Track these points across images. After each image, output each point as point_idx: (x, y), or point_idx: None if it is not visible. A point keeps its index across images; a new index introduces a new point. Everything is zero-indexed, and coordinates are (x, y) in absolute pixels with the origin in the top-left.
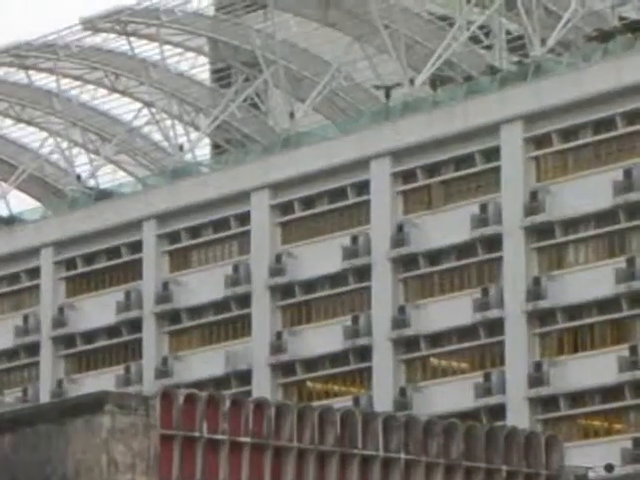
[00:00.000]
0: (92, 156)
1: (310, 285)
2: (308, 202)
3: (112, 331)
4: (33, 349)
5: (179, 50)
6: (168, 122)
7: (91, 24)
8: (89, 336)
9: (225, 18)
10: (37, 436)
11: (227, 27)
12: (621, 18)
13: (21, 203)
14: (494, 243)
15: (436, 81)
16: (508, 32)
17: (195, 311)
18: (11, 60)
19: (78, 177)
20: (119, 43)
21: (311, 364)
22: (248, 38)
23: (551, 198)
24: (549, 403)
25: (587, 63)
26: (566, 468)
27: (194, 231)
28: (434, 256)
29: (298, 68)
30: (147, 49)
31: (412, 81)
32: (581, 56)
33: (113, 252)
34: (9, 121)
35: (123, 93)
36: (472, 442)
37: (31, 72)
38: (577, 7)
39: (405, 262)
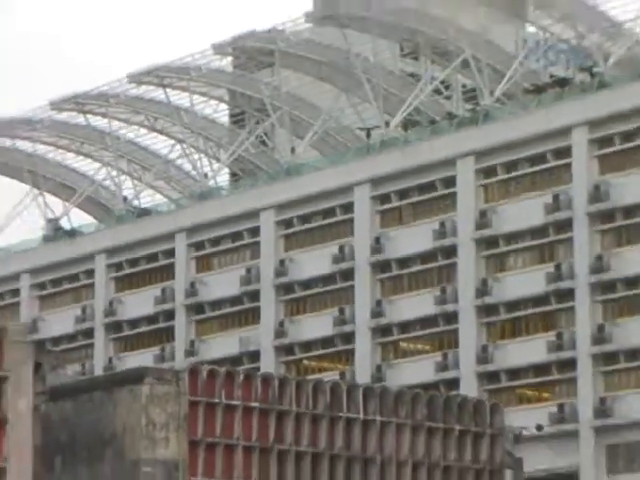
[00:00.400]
0: (135, 182)
1: (306, 284)
2: (306, 218)
3: (151, 319)
4: (89, 333)
5: (204, 98)
6: (195, 155)
7: (135, 78)
8: (133, 323)
9: (241, 74)
10: (92, 402)
11: (242, 80)
12: (551, 76)
13: (80, 219)
14: (451, 251)
15: (407, 124)
16: (464, 85)
17: (215, 304)
18: (72, 106)
19: (125, 198)
20: (157, 93)
21: (306, 346)
22: (259, 89)
23: (496, 216)
24: (493, 377)
25: (525, 111)
26: (506, 428)
27: (215, 241)
28: (404, 261)
29: (298, 113)
30: (179, 97)
31: (388, 124)
32: (520, 105)
33: (152, 257)
34: (70, 154)
35: (160, 132)
36: (433, 407)
37: (88, 116)
38: (517, 66)
39: (382, 266)
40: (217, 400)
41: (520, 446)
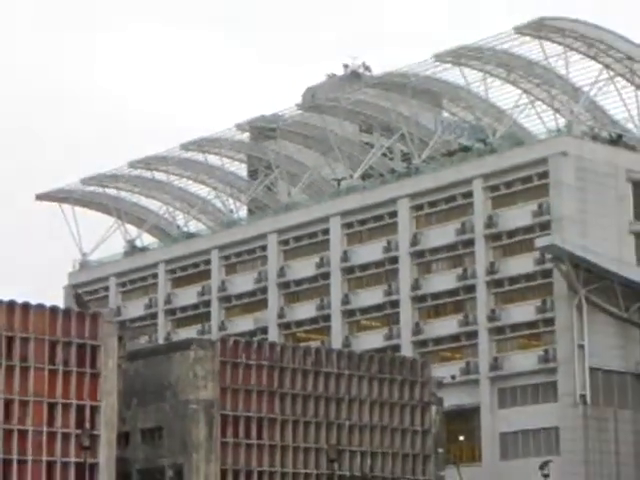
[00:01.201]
0: (185, 215)
1: (297, 282)
2: (299, 239)
3: (196, 307)
4: (154, 315)
5: (230, 160)
6: (224, 197)
7: (185, 146)
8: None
9: (255, 143)
10: (156, 362)
11: (256, 148)
12: (459, 144)
13: (148, 240)
14: (395, 261)
15: (364, 176)
16: (401, 151)
17: (239, 296)
18: (144, 165)
19: (177, 226)
20: (200, 157)
21: (299, 324)
22: (266, 154)
23: (424, 237)
24: (423, 344)
25: (442, 167)
26: (432, 377)
27: (239, 254)
28: (363, 267)
29: (292, 170)
30: (215, 159)
31: (352, 176)
32: (439, 163)
33: (195, 265)
34: (142, 197)
35: (202, 183)
36: (382, 364)
37: (154, 172)
38: (436, 139)
39: (348, 270)
40: (239, 360)
41: (441, 390)
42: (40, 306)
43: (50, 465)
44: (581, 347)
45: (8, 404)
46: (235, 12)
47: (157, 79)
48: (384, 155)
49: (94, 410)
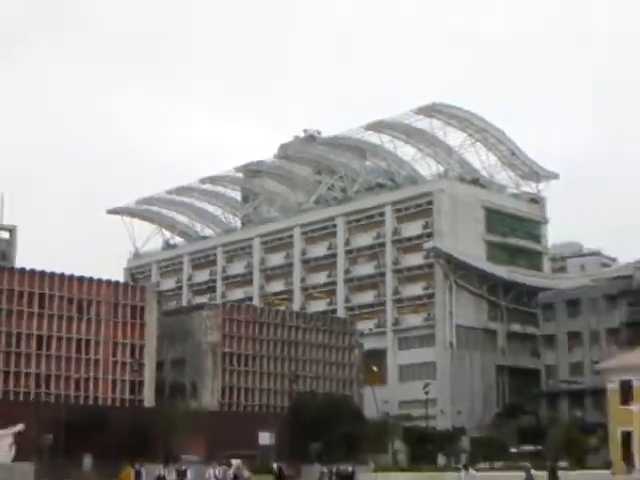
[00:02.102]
0: (200, 224)
1: (272, 269)
2: (273, 241)
3: (207, 283)
4: (180, 287)
5: (230, 190)
6: (227, 215)
7: (205, 180)
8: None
9: (247, 179)
10: (181, 317)
11: (247, 183)
12: (376, 182)
13: (177, 240)
14: (335, 258)
15: (316, 202)
16: (340, 186)
17: (234, 277)
18: (176, 194)
19: (196, 232)
20: (213, 188)
21: (273, 295)
22: (254, 186)
23: (353, 240)
24: (352, 309)
25: (365, 197)
26: (357, 330)
27: (235, 250)
28: (312, 260)
29: (271, 197)
30: (222, 190)
31: (308, 201)
32: (363, 194)
33: (207, 257)
34: (173, 212)
35: (212, 204)
36: (325, 321)
37: (183, 197)
38: (362, 178)
39: (306, 262)
40: (236, 317)
41: (362, 337)
42: (109, 281)
43: (114, 382)
44: (450, 312)
45: (88, 343)
46: (234, 82)
47: (176, 133)
48: (329, 189)
49: (141, 347)
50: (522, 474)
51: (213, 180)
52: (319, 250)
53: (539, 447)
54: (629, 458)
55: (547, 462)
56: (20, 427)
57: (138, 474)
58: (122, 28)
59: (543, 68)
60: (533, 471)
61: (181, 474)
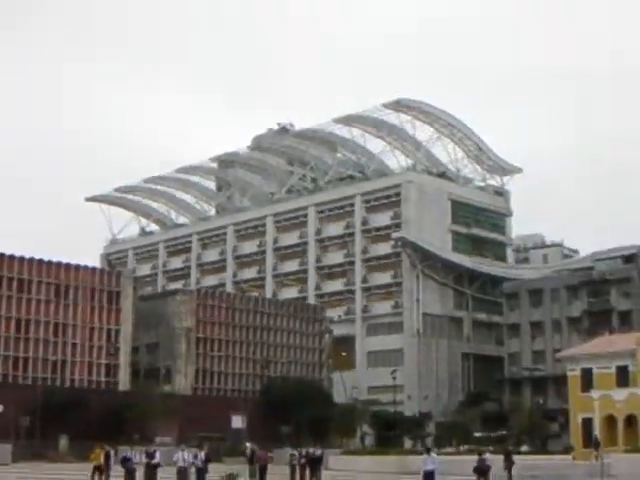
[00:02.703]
0: (176, 212)
1: (245, 256)
2: (246, 229)
3: (181, 270)
4: (156, 274)
5: (206, 180)
6: (202, 203)
7: (182, 170)
8: (173, 271)
9: (221, 169)
10: (157, 302)
11: (221, 173)
12: (348, 174)
13: (153, 228)
14: (306, 246)
15: (288, 192)
16: (311, 177)
17: (209, 264)
18: (152, 184)
19: (172, 219)
20: (193, 178)
21: (246, 282)
22: (228, 176)
23: (324, 230)
24: (322, 296)
25: (336, 187)
26: (326, 317)
27: (210, 237)
28: (287, 247)
29: (244, 186)
30: (198, 179)
31: (280, 192)
32: (334, 184)
33: (182, 244)
34: (149, 201)
35: (189, 194)
36: (296, 307)
37: (158, 186)
38: (333, 170)
39: (277, 249)
40: (209, 303)
41: (332, 324)
42: (86, 267)
43: (90, 365)
44: (417, 300)
45: (65, 327)
46: (207, 73)
47: (156, 124)
48: (300, 179)
49: (117, 332)
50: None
51: (188, 170)
52: (291, 239)
53: (503, 432)
54: (597, 443)
55: (505, 447)
56: None
57: (107, 456)
58: (92, 12)
59: (509, 66)
60: (489, 454)
61: (149, 456)
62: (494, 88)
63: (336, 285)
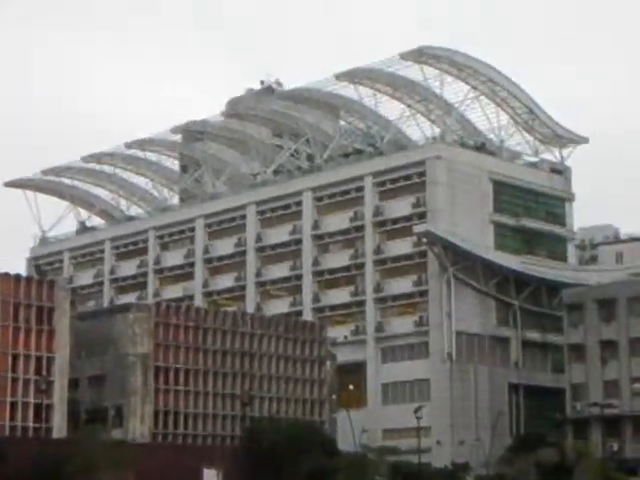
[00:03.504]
0: (127, 202)
1: (219, 258)
2: (219, 223)
3: (135, 277)
4: (100, 284)
5: (166, 158)
6: (160, 187)
7: (135, 145)
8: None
9: (186, 144)
10: (102, 321)
11: (187, 147)
12: (353, 148)
13: (96, 222)
14: (300, 242)
15: (276, 172)
16: (307, 152)
17: (171, 269)
18: (96, 160)
19: (121, 210)
20: (155, 157)
21: (220, 292)
22: (195, 152)
23: (324, 223)
24: (321, 310)
25: (339, 166)
26: (327, 338)
27: (172, 234)
28: (274, 247)
29: (217, 166)
30: (156, 158)
31: (265, 172)
32: (336, 163)
33: (136, 243)
34: (91, 186)
35: (143, 175)
36: (287, 325)
37: (104, 166)
38: (335, 142)
39: (261, 249)
40: (172, 321)
41: (335, 347)
42: (6, 274)
43: (13, 405)
44: (448, 314)
45: None
46: (170, 33)
47: (101, 86)
48: (292, 155)
49: (50, 360)
50: None
51: (142, 144)
52: (280, 235)
53: None
54: None
55: None
56: None
57: None
58: None
59: (567, 6)
60: None
61: None
62: (549, 36)
63: (340, 295)
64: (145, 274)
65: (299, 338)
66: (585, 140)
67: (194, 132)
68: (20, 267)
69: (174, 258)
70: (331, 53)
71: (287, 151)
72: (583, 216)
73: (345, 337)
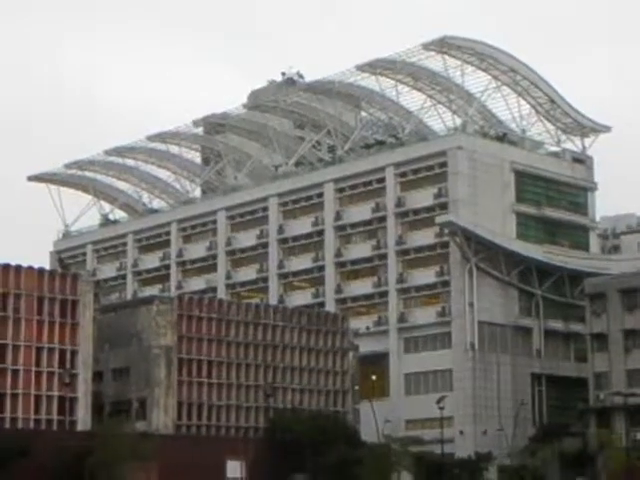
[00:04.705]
0: (149, 195)
1: (242, 250)
2: (242, 215)
3: (158, 270)
4: (124, 276)
5: (187, 149)
6: (182, 181)
7: (154, 136)
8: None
9: (207, 136)
10: (125, 314)
11: (208, 140)
12: (375, 139)
13: (118, 215)
14: (322, 233)
15: (298, 164)
16: (328, 144)
17: (193, 261)
18: (116, 155)
19: (143, 204)
20: (173, 149)
21: (243, 284)
22: (217, 145)
23: (346, 213)
24: (343, 301)
25: (361, 157)
26: (350, 328)
27: (194, 227)
28: (296, 238)
29: (238, 158)
30: (179, 151)
31: (287, 164)
32: (358, 154)
33: (159, 235)
34: (114, 179)
35: (167, 169)
36: (310, 317)
37: (126, 160)
38: (357, 134)
39: (284, 241)
40: (195, 313)
41: (357, 338)
42: (30, 268)
43: (37, 398)
44: (471, 305)
45: (3, 348)
46: (194, 24)
47: (122, 80)
48: (313, 147)
49: (74, 353)
50: None
51: (164, 137)
52: (302, 226)
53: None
54: None
55: None
56: None
57: None
58: None
59: None
60: None
61: None
62: (571, 26)
63: (362, 287)
64: (168, 266)
65: (321, 329)
66: (607, 129)
67: (216, 124)
68: (44, 261)
69: (196, 250)
70: (352, 44)
71: (309, 143)
72: (605, 205)
73: (367, 328)
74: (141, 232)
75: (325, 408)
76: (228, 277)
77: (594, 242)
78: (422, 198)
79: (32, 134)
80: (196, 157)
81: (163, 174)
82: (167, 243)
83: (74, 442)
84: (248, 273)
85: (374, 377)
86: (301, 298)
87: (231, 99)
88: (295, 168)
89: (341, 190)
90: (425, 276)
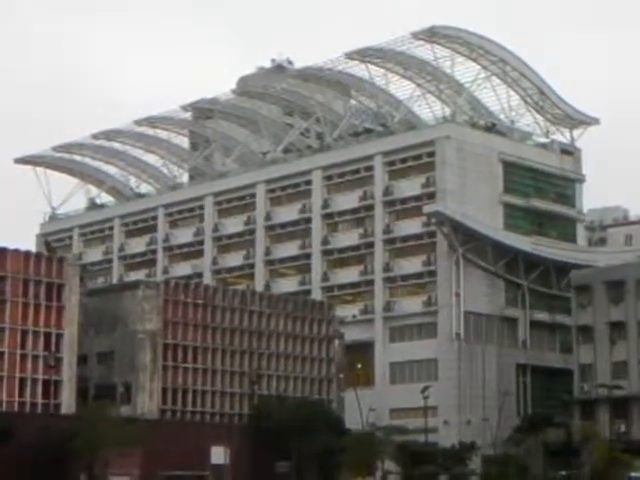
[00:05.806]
0: (136, 179)
1: (228, 237)
2: (229, 201)
3: (144, 254)
4: (110, 261)
5: (175, 134)
6: (170, 166)
7: (142, 122)
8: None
9: (196, 121)
10: (110, 298)
11: (197, 125)
12: (363, 127)
13: (106, 199)
14: (309, 221)
15: (286, 150)
16: (317, 131)
17: (180, 247)
18: (105, 137)
19: (130, 188)
20: (162, 134)
21: (229, 270)
22: (205, 130)
23: (333, 202)
24: (330, 289)
25: (349, 145)
26: (336, 316)
27: (181, 212)
28: (283, 225)
29: (227, 143)
30: (166, 135)
31: (275, 150)
32: (346, 142)
33: (145, 220)
34: (101, 163)
35: (153, 153)
36: (296, 305)
37: (114, 143)
38: (345, 121)
39: (271, 228)
40: (181, 298)
41: (343, 326)
42: (16, 251)
43: (22, 381)
44: (457, 295)
45: None
46: (183, 10)
47: (110, 64)
48: (302, 134)
49: (59, 337)
50: None
51: (153, 121)
52: (289, 213)
53: (571, 471)
54: None
55: None
56: None
57: None
58: None
59: None
60: None
61: None
62: (561, 15)
63: (349, 275)
64: (154, 251)
65: (307, 317)
66: (596, 121)
67: (204, 110)
68: (30, 244)
69: (183, 236)
70: (342, 32)
71: (297, 130)
72: (593, 198)
73: (354, 316)
74: (128, 216)
75: (310, 396)
76: (214, 263)
77: (581, 234)
78: (410, 187)
79: (19, 116)
80: (184, 142)
81: (151, 159)
82: (154, 228)
83: (58, 425)
84: (235, 259)
85: (359, 365)
86: (287, 285)
87: (220, 85)
88: (283, 155)
89: (329, 178)
90: (412, 265)
